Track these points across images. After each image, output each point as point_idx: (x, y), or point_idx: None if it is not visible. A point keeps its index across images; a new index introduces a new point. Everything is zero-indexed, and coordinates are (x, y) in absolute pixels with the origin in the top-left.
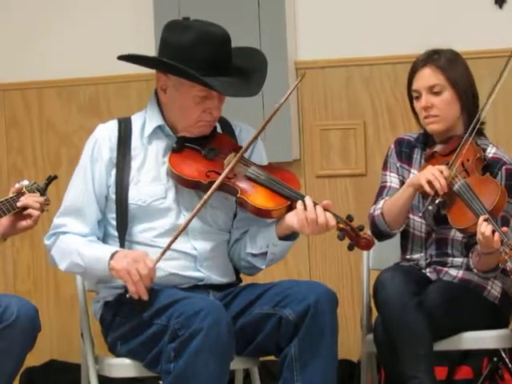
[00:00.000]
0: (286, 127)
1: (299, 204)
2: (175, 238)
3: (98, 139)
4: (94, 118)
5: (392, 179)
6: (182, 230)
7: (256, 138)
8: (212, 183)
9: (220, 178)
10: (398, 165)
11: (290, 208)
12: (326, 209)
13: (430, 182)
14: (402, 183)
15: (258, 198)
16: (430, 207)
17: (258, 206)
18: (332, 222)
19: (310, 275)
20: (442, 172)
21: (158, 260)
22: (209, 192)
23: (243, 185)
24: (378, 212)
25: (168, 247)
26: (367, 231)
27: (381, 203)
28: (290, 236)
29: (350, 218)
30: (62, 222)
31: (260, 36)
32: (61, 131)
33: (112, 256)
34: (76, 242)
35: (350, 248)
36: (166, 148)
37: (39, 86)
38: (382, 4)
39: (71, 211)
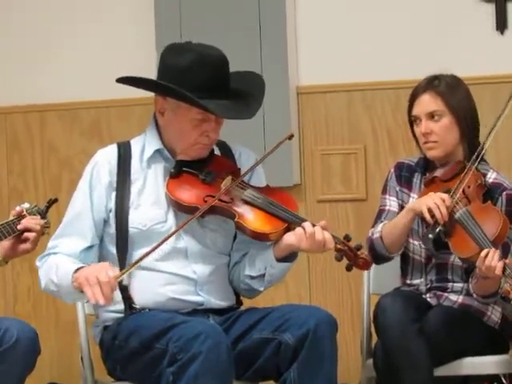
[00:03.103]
0: (286, 152)
1: (298, 229)
2: (152, 250)
3: (97, 162)
4: (95, 141)
5: (391, 203)
6: (160, 244)
7: (253, 168)
8: (210, 208)
9: (205, 207)
10: (397, 189)
11: (288, 230)
12: (323, 229)
13: (430, 210)
14: (402, 207)
15: (255, 221)
16: (430, 235)
17: (255, 230)
18: (330, 242)
19: (310, 300)
20: (444, 201)
21: (125, 272)
22: (191, 217)
23: (240, 209)
24: (376, 235)
25: (138, 261)
26: (365, 251)
27: (379, 226)
28: (289, 257)
29: (347, 238)
30: (55, 243)
31: (261, 61)
32: (62, 155)
33: (77, 269)
34: (59, 260)
35: (349, 268)
36: (165, 172)
37: (41, 109)
38: (383, 29)
39: (67, 233)
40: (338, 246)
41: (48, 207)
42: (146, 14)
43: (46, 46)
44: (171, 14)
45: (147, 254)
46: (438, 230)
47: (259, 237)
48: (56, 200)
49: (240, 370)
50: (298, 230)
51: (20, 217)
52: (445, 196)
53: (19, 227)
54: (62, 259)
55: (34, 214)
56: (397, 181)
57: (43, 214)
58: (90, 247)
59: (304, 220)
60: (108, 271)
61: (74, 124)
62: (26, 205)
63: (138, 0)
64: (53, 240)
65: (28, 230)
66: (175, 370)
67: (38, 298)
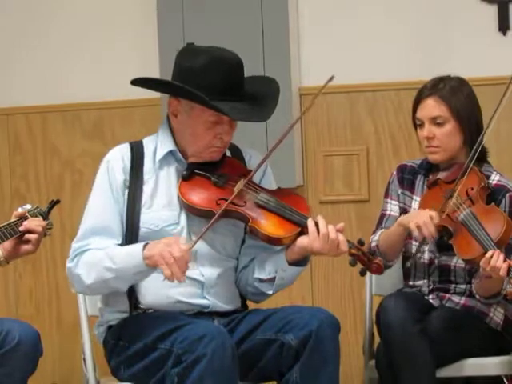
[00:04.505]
0: (289, 153)
1: (311, 223)
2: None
3: (110, 160)
4: (97, 143)
5: (392, 207)
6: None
7: (261, 164)
8: (223, 212)
9: (224, 207)
10: (399, 192)
11: (301, 234)
12: (338, 231)
13: (419, 227)
14: (404, 210)
15: (269, 225)
16: (419, 254)
17: (269, 234)
18: (344, 243)
19: (312, 301)
20: (432, 218)
21: (193, 245)
22: (213, 219)
23: (254, 212)
24: (374, 244)
25: (206, 230)
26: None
27: (377, 235)
28: (301, 261)
29: (361, 243)
30: (85, 243)
31: (264, 62)
32: (64, 156)
33: (145, 246)
34: (103, 251)
35: (363, 273)
36: (177, 173)
37: (43, 110)
38: (385, 30)
39: (95, 232)
40: (352, 251)
41: (50, 209)
42: (148, 16)
43: (48, 47)
44: (174, 16)
45: (211, 225)
46: (423, 249)
47: (272, 241)
48: (58, 201)
49: (243, 370)
50: (311, 229)
51: (22, 218)
52: (433, 213)
53: (21, 229)
54: (106, 250)
55: (36, 216)
56: (399, 183)
57: (45, 216)
58: (121, 245)
59: (317, 221)
60: (179, 245)
61: (76, 125)
62: (28, 206)
63: (141, 2)
64: (79, 241)
65: (30, 231)
66: (180, 371)
67: (40, 299)
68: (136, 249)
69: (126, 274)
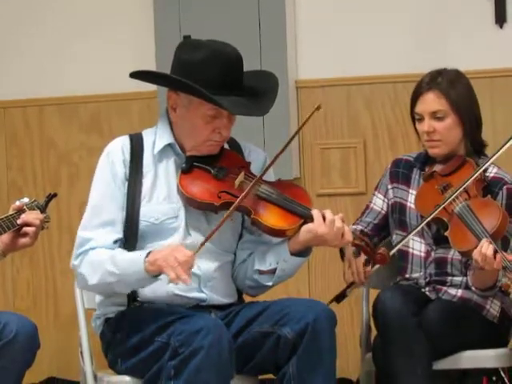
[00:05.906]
0: None
1: (315, 210)
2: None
3: (110, 152)
4: (94, 136)
5: (376, 200)
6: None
7: (271, 164)
8: (224, 204)
9: (235, 204)
10: (388, 186)
11: (304, 224)
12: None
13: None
14: (400, 204)
15: (272, 218)
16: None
17: (272, 226)
18: (349, 233)
19: (309, 294)
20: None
21: (198, 251)
22: (224, 216)
23: (256, 205)
24: None
25: (207, 240)
26: (381, 245)
27: (353, 228)
28: (303, 252)
29: (363, 233)
30: (88, 236)
31: (261, 55)
32: (61, 149)
33: (148, 254)
34: (108, 253)
35: (367, 263)
36: (176, 166)
37: (40, 103)
38: (382, 23)
39: (101, 224)
40: (356, 242)
41: (47, 202)
42: (145, 10)
43: (44, 40)
44: (170, 9)
45: (214, 231)
46: (348, 291)
47: (276, 233)
48: (55, 195)
49: (239, 364)
50: (317, 215)
51: (20, 211)
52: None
53: (19, 222)
54: (111, 252)
55: (34, 209)
56: (390, 178)
57: (43, 209)
58: (122, 239)
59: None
60: (184, 251)
61: (73, 118)
62: (26, 200)
63: None
64: (85, 230)
65: (27, 224)
66: (176, 364)
67: (37, 292)
68: (139, 256)
69: (128, 280)
